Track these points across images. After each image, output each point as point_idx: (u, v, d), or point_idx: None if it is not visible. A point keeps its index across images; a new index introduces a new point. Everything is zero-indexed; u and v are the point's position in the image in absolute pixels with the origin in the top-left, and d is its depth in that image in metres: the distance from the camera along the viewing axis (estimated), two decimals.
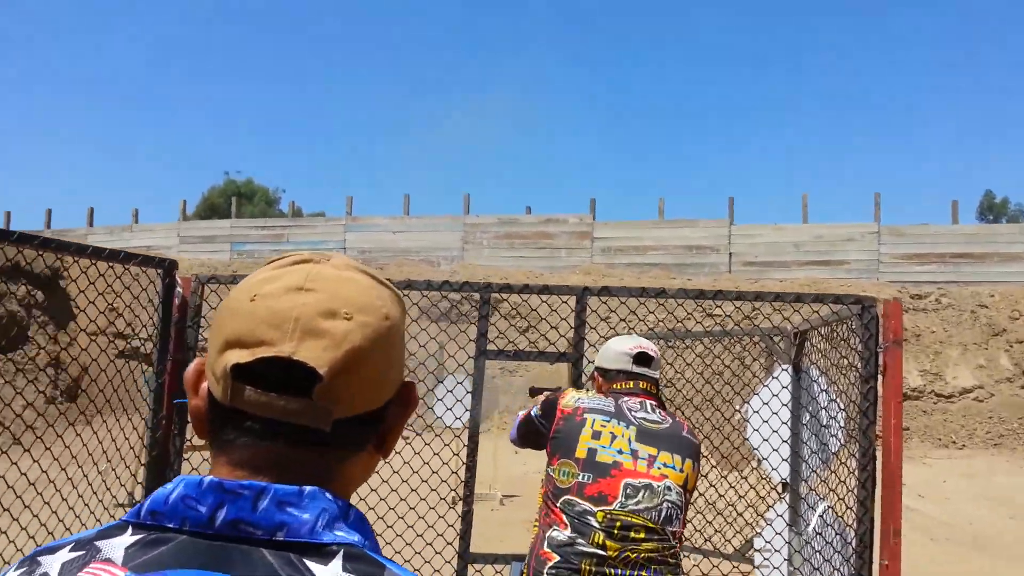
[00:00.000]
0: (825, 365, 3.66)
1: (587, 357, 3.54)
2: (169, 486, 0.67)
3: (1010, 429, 13.03)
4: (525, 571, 2.20)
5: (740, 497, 4.00)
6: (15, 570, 0.67)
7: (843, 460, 3.47)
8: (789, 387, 3.85)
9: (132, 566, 0.63)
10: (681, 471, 2.25)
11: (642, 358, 2.44)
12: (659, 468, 2.24)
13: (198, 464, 2.99)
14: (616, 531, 2.14)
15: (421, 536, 3.48)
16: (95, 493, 2.82)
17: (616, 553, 2.11)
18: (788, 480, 3.82)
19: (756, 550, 3.83)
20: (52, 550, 0.67)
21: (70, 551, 0.66)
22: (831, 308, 3.54)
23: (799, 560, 3.66)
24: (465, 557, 3.35)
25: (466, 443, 3.42)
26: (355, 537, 0.67)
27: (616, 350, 2.49)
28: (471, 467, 3.38)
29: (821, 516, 3.58)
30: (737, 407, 4.02)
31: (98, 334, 3.52)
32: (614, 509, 2.15)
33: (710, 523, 4.04)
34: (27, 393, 9.74)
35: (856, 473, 3.30)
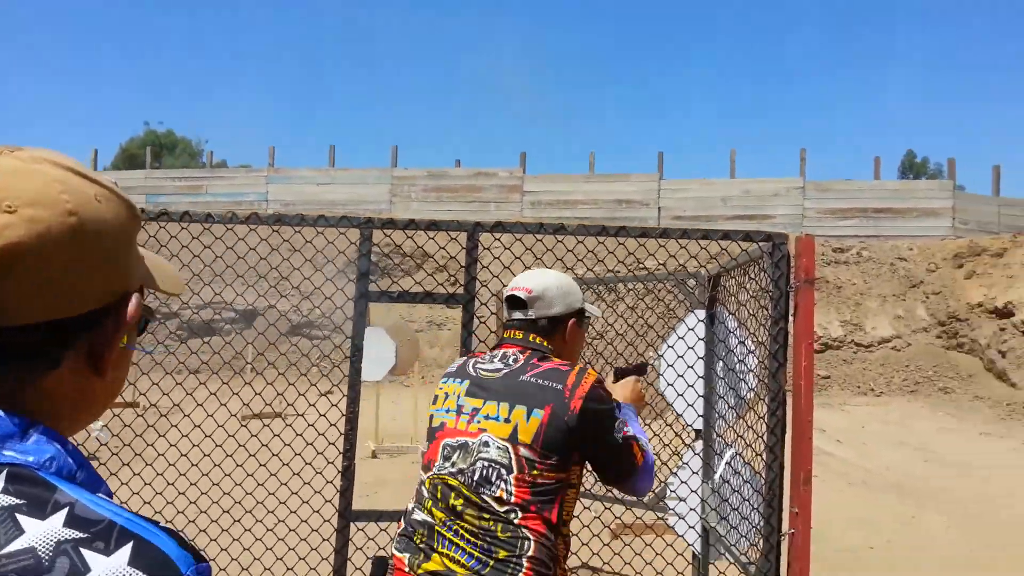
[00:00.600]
0: (737, 308, 3.47)
1: (479, 299, 3.26)
2: None
3: (926, 377, 13.36)
4: None
5: (665, 445, 3.84)
6: None
7: (752, 406, 3.30)
8: (698, 331, 3.65)
9: None
10: (508, 420, 1.85)
11: (513, 302, 2.08)
12: (479, 422, 1.90)
13: None
14: (439, 498, 1.88)
15: (297, 494, 3.17)
16: None
17: (442, 522, 1.85)
18: (700, 428, 3.65)
19: (668, 499, 3.67)
20: None
21: None
22: (740, 247, 3.35)
23: (708, 509, 3.50)
24: (347, 515, 3.07)
25: (346, 393, 3.12)
26: (29, 458, 0.61)
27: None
28: (351, 419, 3.08)
29: (729, 463, 3.42)
30: (658, 353, 3.81)
31: None
32: (434, 474, 1.92)
33: None
34: None
35: (766, 419, 3.12)
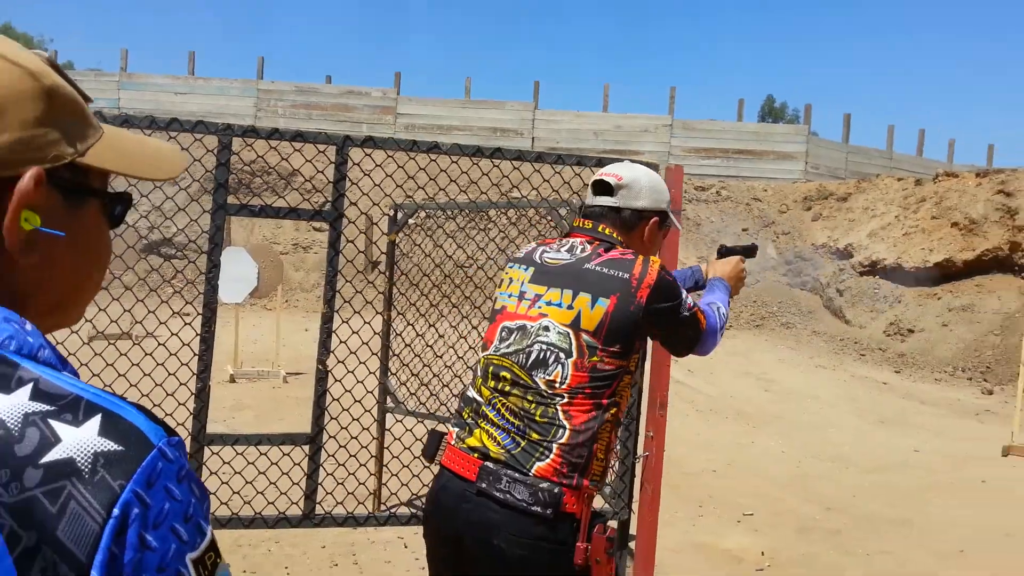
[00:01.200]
0: None
1: (347, 217, 3.15)
2: None
3: (771, 312, 14.23)
4: None
5: None
6: None
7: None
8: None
9: None
10: (571, 308, 1.84)
11: (599, 187, 2.02)
12: (540, 307, 1.89)
13: None
14: (489, 376, 1.90)
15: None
16: None
17: (488, 401, 1.88)
18: None
19: None
20: None
21: None
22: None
23: None
24: (200, 439, 2.95)
25: (201, 312, 2.95)
26: None
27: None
28: (206, 339, 2.93)
29: None
30: None
31: None
32: (489, 354, 1.94)
33: None
34: None
35: None
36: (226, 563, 0.62)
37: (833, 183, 17.54)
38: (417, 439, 3.21)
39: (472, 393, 1.94)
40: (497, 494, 1.75)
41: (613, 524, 3.12)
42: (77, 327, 3.24)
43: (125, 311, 3.18)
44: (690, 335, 1.99)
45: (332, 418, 3.09)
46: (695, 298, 2.07)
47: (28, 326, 0.62)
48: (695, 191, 17.33)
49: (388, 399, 4.80)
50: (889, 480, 6.27)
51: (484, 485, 1.76)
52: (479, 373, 1.94)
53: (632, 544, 3.47)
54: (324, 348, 2.99)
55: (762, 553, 4.57)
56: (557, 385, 1.80)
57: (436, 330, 4.51)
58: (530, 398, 1.81)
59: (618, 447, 3.22)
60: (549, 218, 4.19)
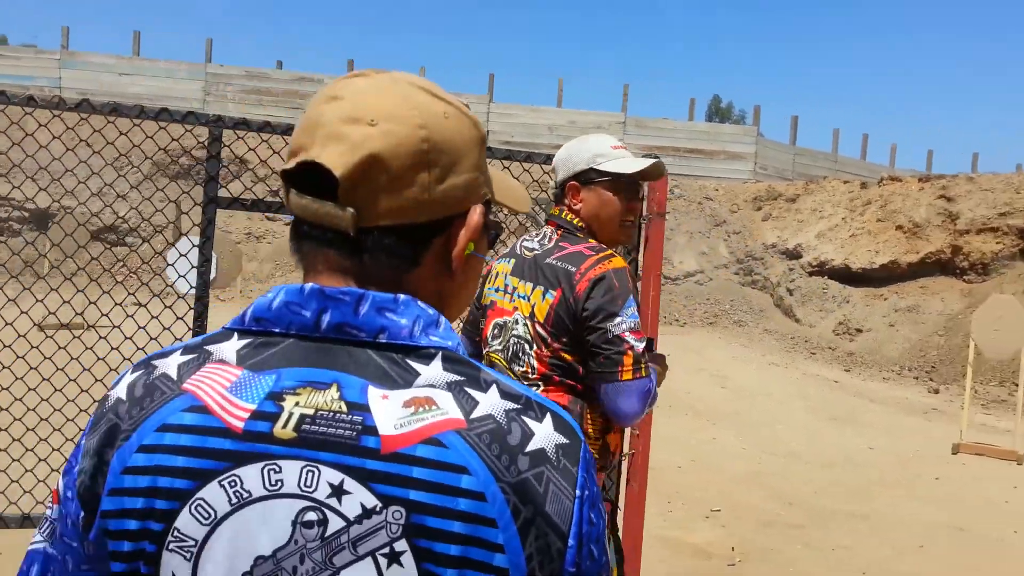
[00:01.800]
0: None
1: None
2: (270, 294, 0.72)
3: (723, 310, 14.50)
4: None
5: None
6: (132, 372, 0.74)
7: None
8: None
9: (247, 365, 0.69)
10: (530, 299, 1.89)
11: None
12: (514, 301, 1.95)
13: None
14: None
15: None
16: None
17: None
18: None
19: None
20: (164, 355, 0.74)
21: (181, 355, 0.73)
22: None
23: None
24: None
25: (193, 307, 2.88)
26: (451, 341, 0.72)
27: None
28: (199, 333, 2.86)
29: None
30: None
31: None
32: (487, 351, 2.00)
33: None
34: None
35: None
36: None
37: (782, 184, 17.92)
38: None
39: None
40: None
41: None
42: (36, 320, 3.09)
43: (91, 303, 3.09)
44: (608, 368, 1.79)
45: None
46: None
47: (453, 333, 0.75)
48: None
49: None
50: (843, 476, 6.45)
51: None
52: None
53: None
54: None
55: (732, 548, 4.67)
56: (529, 375, 1.87)
57: None
58: None
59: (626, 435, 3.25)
60: (506, 212, 4.17)
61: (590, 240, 1.94)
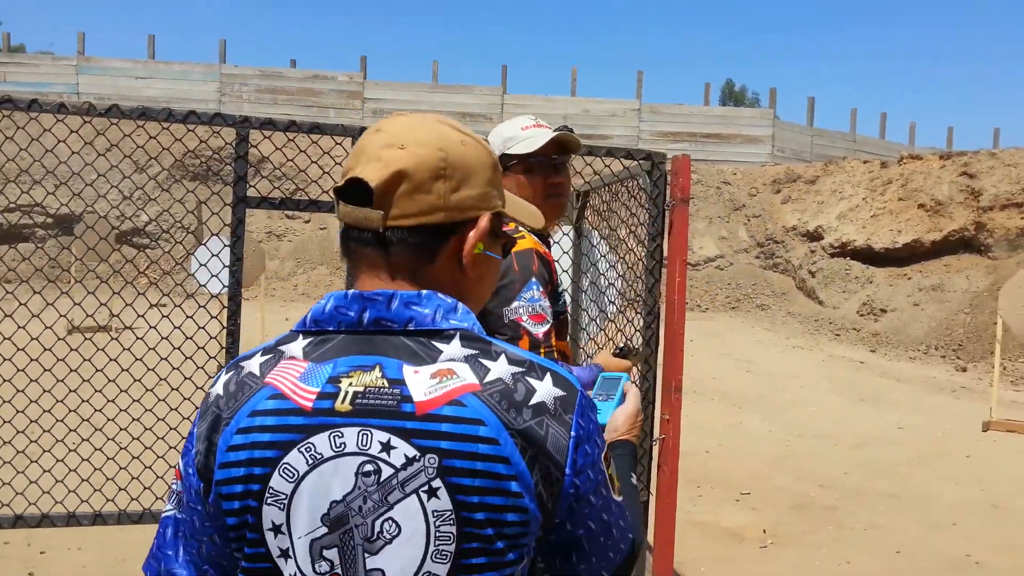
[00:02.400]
0: (607, 226, 3.54)
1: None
2: (322, 301, 0.92)
3: (745, 294, 14.42)
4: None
5: None
6: (225, 373, 0.94)
7: (620, 326, 3.41)
8: (569, 251, 3.71)
9: (312, 358, 0.89)
10: None
11: None
12: None
13: None
14: None
15: (186, 416, 2.98)
16: None
17: None
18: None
19: None
20: (248, 357, 0.95)
21: (261, 356, 0.93)
22: (622, 164, 3.39)
23: None
24: None
25: (227, 305, 2.92)
26: (467, 323, 0.91)
27: None
28: (233, 332, 2.90)
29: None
30: None
31: None
32: None
33: None
34: None
35: (641, 332, 3.25)
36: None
37: (801, 166, 17.78)
38: None
39: None
40: None
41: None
42: (66, 322, 3.16)
43: (127, 305, 3.14)
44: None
45: None
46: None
47: (471, 316, 0.93)
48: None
49: None
50: (873, 456, 6.43)
51: None
52: None
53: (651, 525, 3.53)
54: None
55: (763, 531, 4.67)
56: None
57: None
58: None
59: (656, 420, 3.26)
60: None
61: (511, 224, 1.89)
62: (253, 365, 0.92)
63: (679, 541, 4.44)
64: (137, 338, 2.99)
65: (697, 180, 17.51)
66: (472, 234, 0.93)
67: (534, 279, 1.79)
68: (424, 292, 0.90)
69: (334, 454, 0.85)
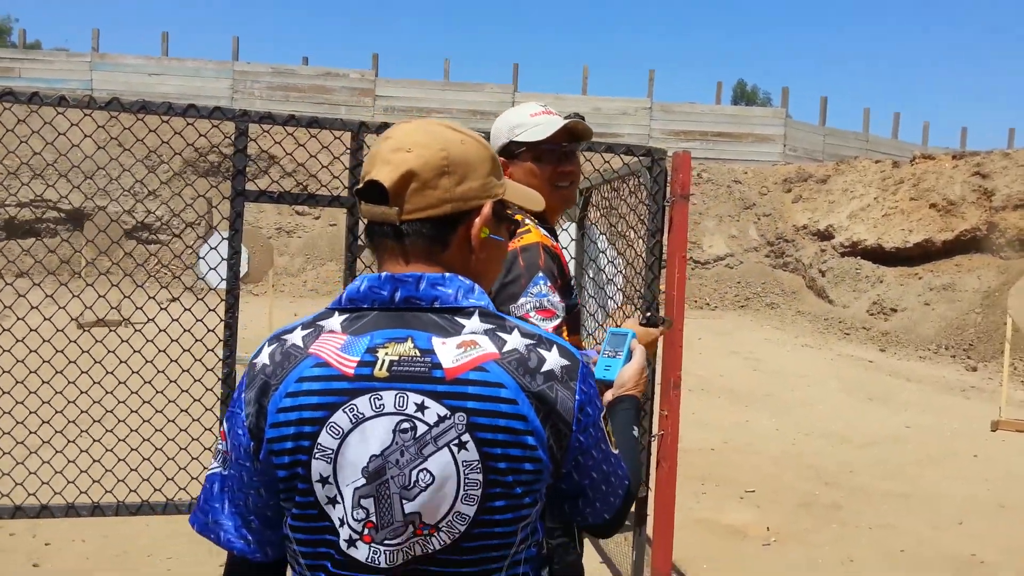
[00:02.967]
0: (609, 223, 3.54)
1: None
2: (356, 282, 1.05)
3: (755, 292, 14.36)
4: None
5: None
6: (268, 345, 1.06)
7: (618, 321, 3.40)
8: (570, 247, 3.71)
9: (350, 332, 1.02)
10: None
11: None
12: None
13: None
14: None
15: (184, 408, 2.99)
16: None
17: None
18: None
19: None
20: (290, 331, 1.07)
21: (302, 330, 1.05)
22: (622, 160, 3.39)
23: None
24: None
25: (224, 299, 2.93)
26: (483, 302, 1.05)
27: None
28: (230, 325, 2.91)
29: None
30: None
31: None
32: None
33: None
34: None
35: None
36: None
37: (812, 165, 17.69)
38: None
39: None
40: None
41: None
42: (73, 316, 3.17)
43: (126, 297, 3.16)
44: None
45: None
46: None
47: (485, 296, 1.07)
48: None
49: None
50: (881, 455, 6.39)
51: None
52: None
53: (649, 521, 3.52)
54: None
55: (767, 528, 4.65)
56: None
57: None
58: None
59: (655, 416, 3.25)
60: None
61: (518, 216, 1.82)
62: (296, 338, 1.04)
63: (681, 538, 4.43)
64: (136, 331, 3.00)
65: (708, 179, 17.45)
66: (477, 220, 1.06)
67: (540, 274, 1.79)
68: (447, 275, 1.04)
69: (374, 414, 0.97)
